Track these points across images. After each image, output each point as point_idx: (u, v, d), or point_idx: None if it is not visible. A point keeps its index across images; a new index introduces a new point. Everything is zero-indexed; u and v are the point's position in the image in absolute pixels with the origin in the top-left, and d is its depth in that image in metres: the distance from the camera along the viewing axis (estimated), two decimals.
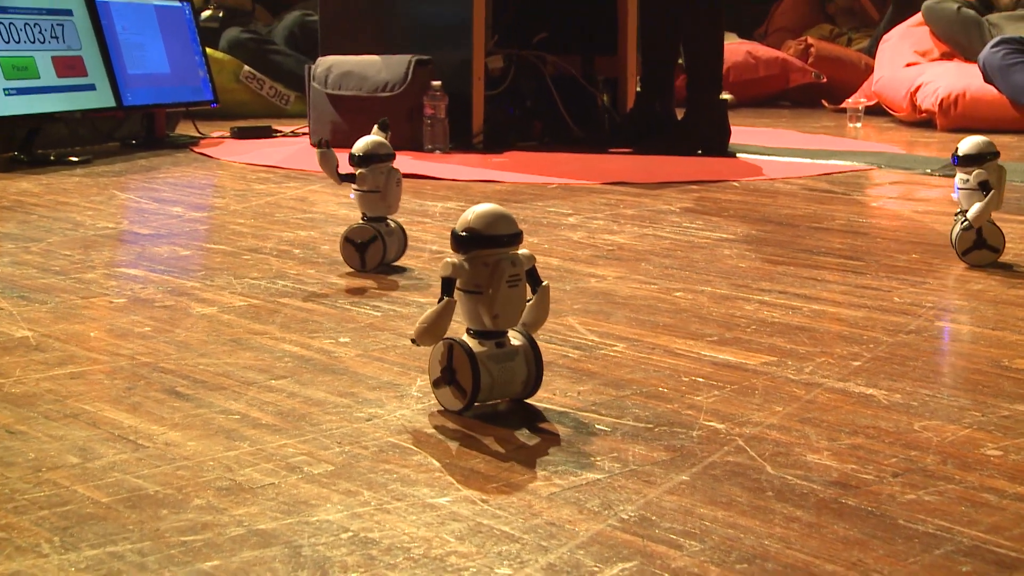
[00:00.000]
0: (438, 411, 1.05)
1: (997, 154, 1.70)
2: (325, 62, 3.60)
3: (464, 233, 1.02)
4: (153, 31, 3.71)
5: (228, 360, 1.21)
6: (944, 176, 2.90)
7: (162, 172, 2.93)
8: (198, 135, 3.78)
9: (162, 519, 0.80)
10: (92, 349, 1.24)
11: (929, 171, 2.99)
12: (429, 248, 1.87)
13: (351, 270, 1.68)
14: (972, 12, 4.97)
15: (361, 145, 1.66)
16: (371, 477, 0.89)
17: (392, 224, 1.71)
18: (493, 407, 1.07)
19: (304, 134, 3.85)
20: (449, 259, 1.03)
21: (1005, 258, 1.74)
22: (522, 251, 1.04)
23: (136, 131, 3.66)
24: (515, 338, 1.06)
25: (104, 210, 2.26)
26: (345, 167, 1.65)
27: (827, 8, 7.00)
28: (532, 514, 0.82)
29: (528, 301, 1.06)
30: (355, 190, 1.67)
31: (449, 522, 0.81)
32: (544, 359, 1.07)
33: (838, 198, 2.57)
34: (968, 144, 1.69)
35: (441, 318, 1.03)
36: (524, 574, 0.73)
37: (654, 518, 0.82)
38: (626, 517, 0.82)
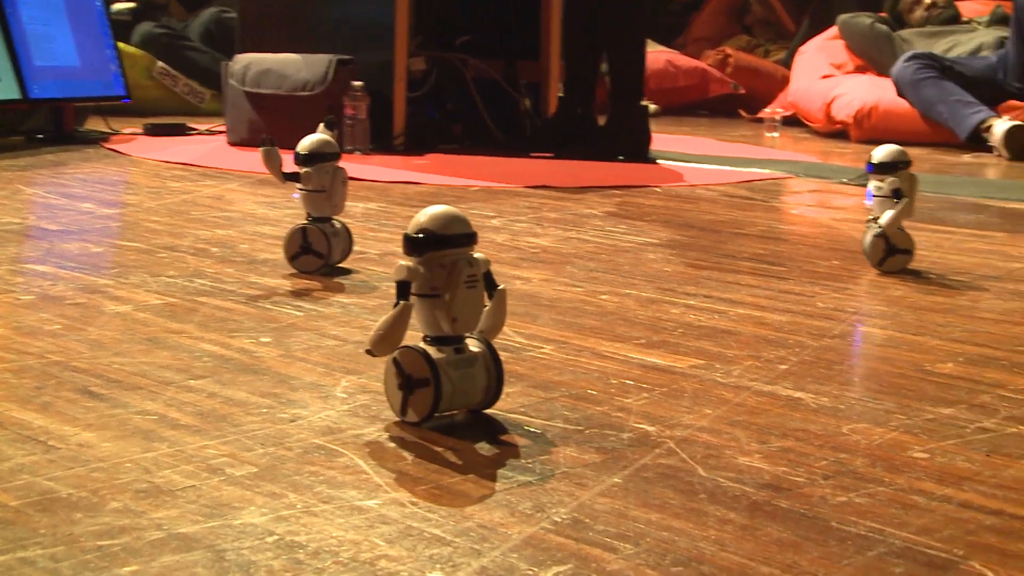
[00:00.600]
0: (365, 413, 1.03)
1: (910, 163, 1.72)
2: (243, 59, 3.54)
3: (418, 235, 0.98)
4: (61, 22, 3.61)
5: (144, 359, 1.17)
6: (859, 185, 2.94)
7: (71, 167, 2.85)
8: (109, 131, 3.69)
9: (76, 523, 0.77)
10: None
11: (845, 180, 3.03)
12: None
13: (270, 269, 1.64)
14: (885, 27, 5.05)
15: (307, 143, 1.61)
16: (296, 479, 0.86)
17: (337, 224, 1.67)
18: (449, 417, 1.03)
19: (220, 132, 3.78)
20: (403, 262, 0.99)
21: (919, 265, 1.76)
22: (477, 254, 1.01)
23: (43, 125, 3.56)
24: (473, 344, 1.03)
25: (8, 205, 2.19)
26: (289, 166, 1.61)
27: (744, 20, 7.08)
28: (463, 517, 0.80)
29: (484, 307, 1.03)
30: (300, 189, 1.63)
31: (378, 525, 0.79)
32: None
33: (758, 205, 2.58)
34: (882, 152, 1.71)
35: (398, 324, 0.99)
36: None
37: (587, 520, 0.80)
38: (559, 520, 0.80)
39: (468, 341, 1.03)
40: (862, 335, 1.37)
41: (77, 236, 1.89)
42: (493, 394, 1.03)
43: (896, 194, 1.69)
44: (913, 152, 1.74)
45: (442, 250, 0.98)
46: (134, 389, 1.07)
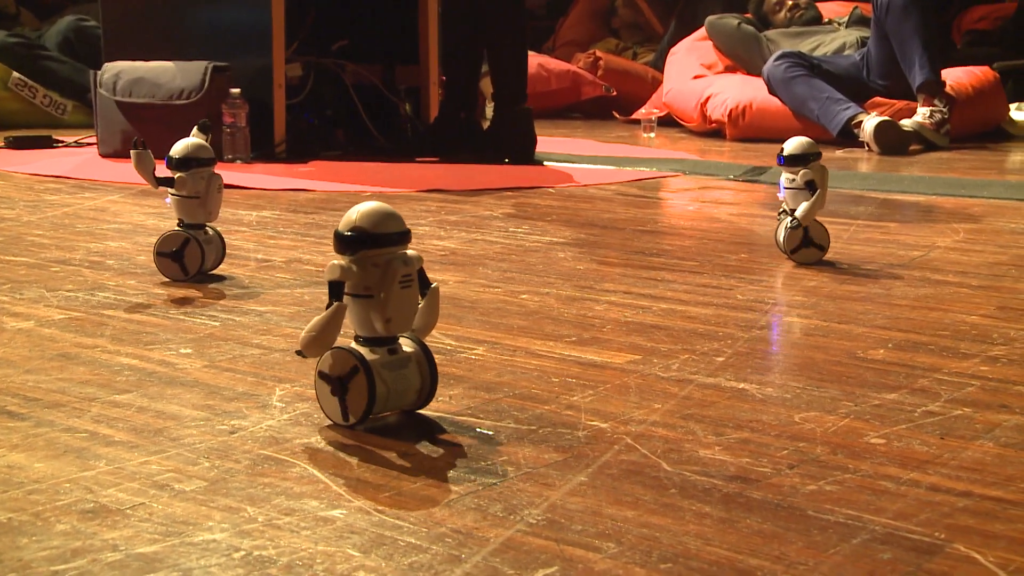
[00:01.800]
0: (307, 422, 0.99)
1: (820, 154, 1.74)
2: (113, 68, 3.42)
3: (350, 233, 0.94)
4: None
5: (60, 376, 1.11)
6: (747, 181, 2.98)
7: None
8: None
9: (23, 548, 0.71)
10: None
11: (732, 177, 3.07)
12: (254, 257, 1.78)
13: (172, 280, 1.58)
14: (751, 28, 5.15)
15: (180, 147, 1.56)
16: (251, 492, 0.82)
17: (210, 231, 1.61)
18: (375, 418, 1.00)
19: (90, 144, 3.65)
20: (335, 261, 0.95)
21: (826, 256, 1.78)
22: (409, 251, 0.97)
23: None
24: (406, 344, 1.00)
25: None
26: (162, 170, 1.55)
27: (612, 23, 7.15)
28: (435, 523, 0.77)
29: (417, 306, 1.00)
30: (172, 194, 1.57)
31: (348, 535, 0.75)
32: None
33: (653, 203, 2.59)
34: (793, 144, 1.73)
35: (330, 325, 0.95)
36: None
37: (563, 521, 0.78)
38: (533, 521, 0.78)
39: (401, 341, 1.00)
40: (789, 325, 1.38)
41: None
42: (427, 394, 1.00)
43: (809, 186, 1.70)
44: None
45: (375, 249, 0.95)
46: (55, 407, 1.01)
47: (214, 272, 1.62)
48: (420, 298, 0.99)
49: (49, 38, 4.92)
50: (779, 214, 1.78)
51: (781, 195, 1.75)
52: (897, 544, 0.75)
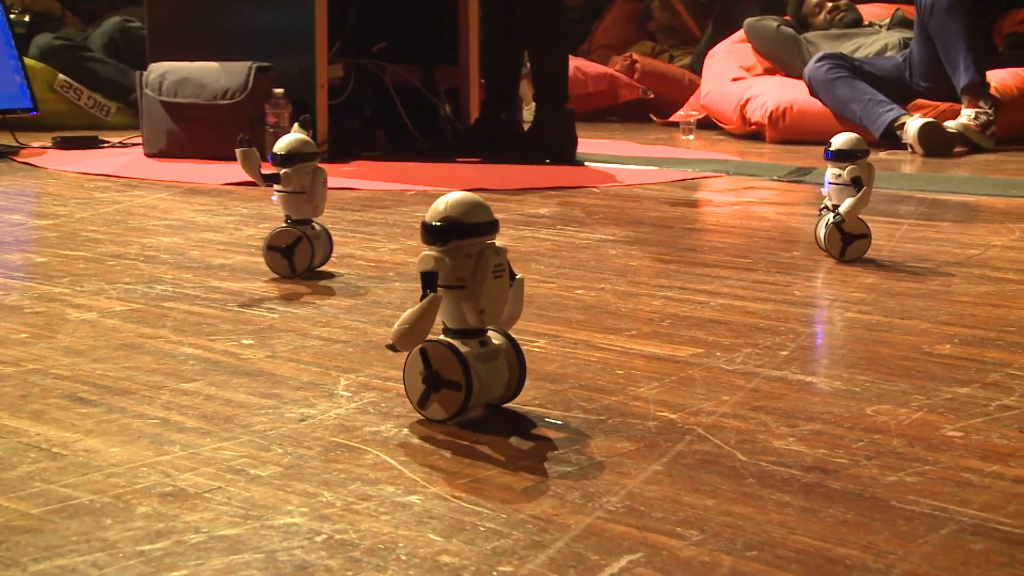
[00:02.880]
0: (375, 411, 0.98)
1: (868, 151, 1.72)
2: (158, 68, 3.44)
3: (440, 223, 0.93)
4: None
5: (127, 364, 1.11)
6: (792, 182, 2.97)
7: None
8: (17, 145, 3.56)
9: (108, 529, 0.71)
10: None
11: (776, 177, 3.05)
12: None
13: (228, 274, 1.58)
14: (791, 30, 5.13)
15: (284, 143, 1.55)
16: (326, 477, 0.82)
17: (317, 227, 1.61)
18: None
19: (135, 145, 3.68)
20: (428, 252, 0.94)
21: (879, 254, 1.76)
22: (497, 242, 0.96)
23: None
24: (494, 337, 0.98)
25: None
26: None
27: (647, 26, 7.13)
28: (514, 510, 0.77)
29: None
30: (278, 191, 1.56)
31: (428, 520, 0.75)
32: None
33: (699, 202, 2.58)
34: (841, 140, 1.72)
35: (424, 318, 0.93)
36: (527, 571, 0.67)
37: (642, 508, 0.77)
38: (613, 509, 0.77)
39: (489, 333, 0.99)
40: (851, 320, 1.36)
41: (15, 247, 1.80)
42: (515, 387, 0.99)
43: (855, 182, 1.69)
44: None
45: (468, 239, 0.93)
46: (125, 394, 1.01)
47: (321, 269, 1.61)
48: None
49: (95, 39, 4.95)
50: (820, 210, 1.76)
51: (825, 190, 1.73)
52: (988, 535, 0.73)
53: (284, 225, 1.57)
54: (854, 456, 0.88)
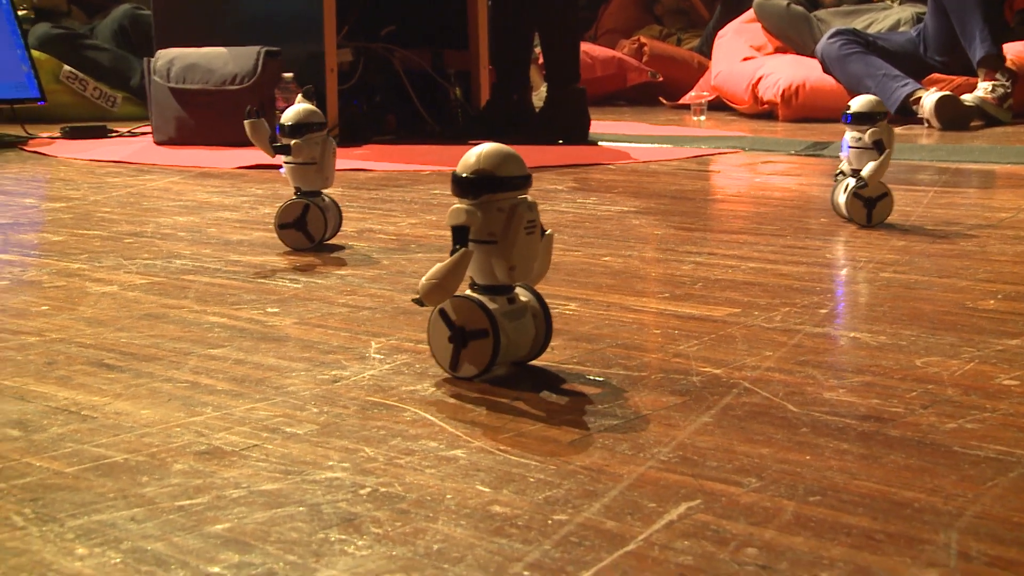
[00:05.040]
0: (409, 371, 0.96)
1: (887, 114, 1.69)
2: (166, 55, 3.41)
3: (471, 176, 0.89)
4: None
5: (151, 333, 1.08)
6: (810, 155, 2.93)
7: None
8: (25, 135, 3.54)
9: (145, 485, 0.69)
10: None
11: (793, 152, 3.02)
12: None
13: (248, 248, 1.55)
14: (800, 8, 5.09)
15: (292, 114, 1.52)
16: (365, 434, 0.79)
17: (327, 199, 1.57)
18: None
19: (143, 134, 3.65)
20: (459, 205, 0.90)
21: (907, 220, 1.73)
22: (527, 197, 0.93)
23: None
24: (521, 294, 0.95)
25: None
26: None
27: (655, 9, 7.09)
28: (563, 461, 0.74)
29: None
30: (286, 162, 1.53)
31: (475, 472, 0.72)
32: None
33: (718, 176, 2.55)
34: (860, 102, 1.68)
35: (454, 272, 0.89)
36: (583, 519, 0.65)
37: (696, 458, 0.74)
38: (665, 459, 0.74)
39: (517, 290, 0.96)
40: (887, 280, 1.33)
41: (30, 227, 1.78)
42: (541, 345, 0.96)
43: (877, 145, 1.65)
44: (842, 129, 1.71)
45: (501, 192, 0.90)
46: (152, 360, 0.98)
47: (341, 242, 1.59)
48: None
49: (103, 28, 4.91)
50: (835, 175, 1.73)
51: (844, 154, 1.70)
52: None
53: (291, 199, 1.54)
54: (909, 405, 0.85)
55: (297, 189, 1.54)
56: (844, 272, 1.36)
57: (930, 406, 0.85)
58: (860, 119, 1.67)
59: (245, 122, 1.49)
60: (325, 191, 1.56)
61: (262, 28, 3.49)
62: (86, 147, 3.26)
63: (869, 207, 1.68)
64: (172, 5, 3.71)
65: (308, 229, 1.52)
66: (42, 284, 1.31)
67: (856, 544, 0.61)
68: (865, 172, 1.66)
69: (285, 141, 1.50)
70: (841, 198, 1.71)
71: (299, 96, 1.55)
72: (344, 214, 1.63)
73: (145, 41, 4.44)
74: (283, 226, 1.53)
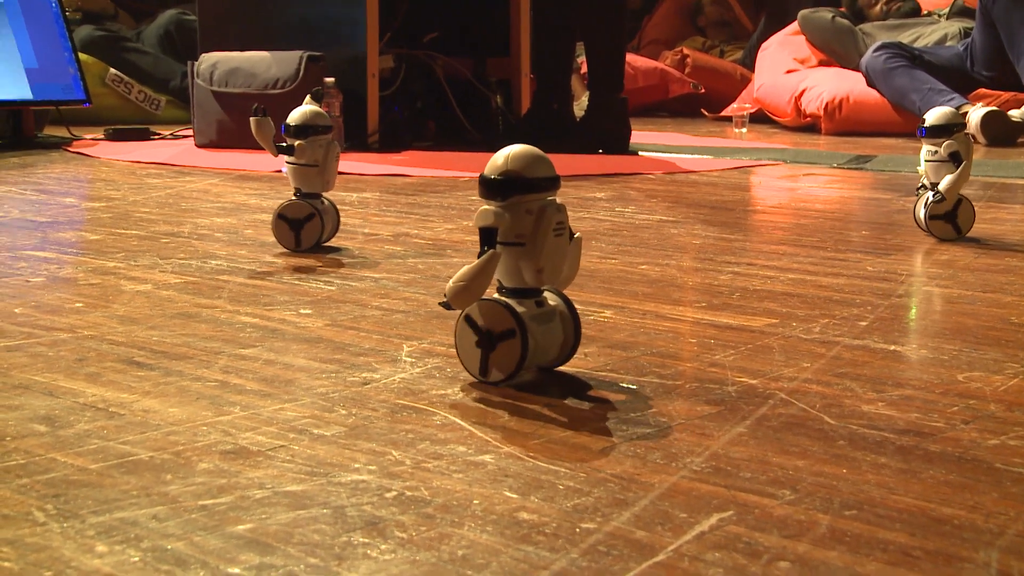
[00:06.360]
0: (441, 375, 0.94)
1: (964, 125, 1.66)
2: (210, 58, 3.43)
3: (499, 177, 0.88)
4: (18, 23, 3.49)
5: (183, 332, 1.08)
6: (852, 169, 2.90)
7: (40, 169, 2.73)
8: (70, 136, 3.57)
9: (168, 484, 0.68)
10: (23, 324, 1.10)
11: (836, 165, 2.99)
12: (362, 231, 1.75)
13: (284, 251, 1.55)
14: (846, 21, 5.05)
15: (298, 115, 1.52)
16: (393, 437, 0.78)
17: (326, 202, 1.58)
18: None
19: (185, 136, 3.67)
20: (487, 207, 0.89)
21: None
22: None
23: (2, 130, 3.42)
24: (550, 297, 0.94)
25: None
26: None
27: (698, 21, 7.06)
28: (593, 469, 0.72)
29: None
30: (289, 163, 1.53)
31: (503, 478, 0.70)
32: None
33: (759, 187, 2.53)
34: (936, 115, 1.65)
35: (482, 275, 0.88)
36: (612, 528, 0.63)
37: (729, 469, 0.73)
38: (698, 468, 0.73)
39: (545, 293, 0.94)
40: (929, 294, 1.31)
41: (69, 226, 1.78)
42: (569, 350, 0.95)
43: (954, 157, 1.62)
44: (886, 143, 1.70)
45: (529, 194, 0.89)
46: (182, 359, 0.98)
47: (327, 244, 1.59)
48: None
49: (150, 33, 4.96)
50: (918, 189, 1.70)
51: (921, 168, 1.67)
52: None
53: (294, 198, 1.53)
54: (950, 420, 0.83)
55: (297, 190, 1.54)
56: (885, 286, 1.34)
57: (972, 422, 0.83)
58: (935, 132, 1.64)
59: (251, 119, 1.49)
60: (325, 194, 1.56)
61: (305, 33, 3.50)
62: (128, 149, 3.28)
63: (950, 220, 1.65)
64: (217, 9, 3.73)
65: (301, 234, 1.52)
66: (77, 281, 1.31)
67: (892, 560, 0.59)
68: (943, 186, 1.64)
69: (289, 142, 1.50)
70: (921, 212, 1.68)
71: (307, 97, 1.55)
72: (381, 218, 1.62)
73: (190, 46, 4.48)
74: (281, 217, 1.53)
